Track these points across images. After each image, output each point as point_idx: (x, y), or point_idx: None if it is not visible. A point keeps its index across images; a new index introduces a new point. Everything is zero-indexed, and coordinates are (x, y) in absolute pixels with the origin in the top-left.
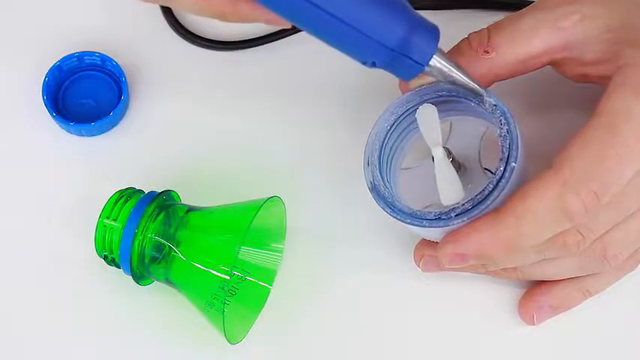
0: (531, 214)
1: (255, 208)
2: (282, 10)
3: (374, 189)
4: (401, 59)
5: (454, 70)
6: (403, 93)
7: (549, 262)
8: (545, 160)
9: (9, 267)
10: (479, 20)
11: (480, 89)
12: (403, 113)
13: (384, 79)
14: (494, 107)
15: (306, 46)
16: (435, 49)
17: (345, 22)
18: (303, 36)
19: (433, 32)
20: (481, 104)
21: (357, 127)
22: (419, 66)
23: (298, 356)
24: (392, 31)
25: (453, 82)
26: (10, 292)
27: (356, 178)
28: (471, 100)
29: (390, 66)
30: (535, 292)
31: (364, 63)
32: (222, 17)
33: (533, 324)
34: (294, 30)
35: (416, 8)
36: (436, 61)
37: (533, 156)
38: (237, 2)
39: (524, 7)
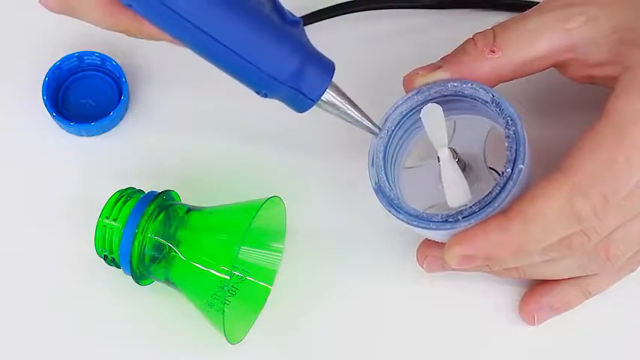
0: (540, 217)
1: (255, 208)
2: (177, 36)
3: (379, 190)
4: (292, 93)
5: (348, 106)
6: (407, 92)
7: (551, 261)
8: (550, 162)
9: (9, 267)
10: (481, 20)
11: (373, 128)
12: (408, 113)
13: (386, 79)
14: (500, 108)
15: None
16: (327, 85)
17: (237, 53)
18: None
19: (327, 68)
20: (487, 104)
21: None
22: (310, 101)
23: (298, 356)
24: (283, 65)
25: (347, 119)
26: (10, 292)
27: (356, 177)
28: (477, 100)
29: (282, 98)
30: (536, 292)
31: (257, 92)
32: (128, 34)
33: (534, 324)
34: None
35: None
36: (330, 96)
37: (537, 157)
38: (142, 22)
39: (527, 6)
